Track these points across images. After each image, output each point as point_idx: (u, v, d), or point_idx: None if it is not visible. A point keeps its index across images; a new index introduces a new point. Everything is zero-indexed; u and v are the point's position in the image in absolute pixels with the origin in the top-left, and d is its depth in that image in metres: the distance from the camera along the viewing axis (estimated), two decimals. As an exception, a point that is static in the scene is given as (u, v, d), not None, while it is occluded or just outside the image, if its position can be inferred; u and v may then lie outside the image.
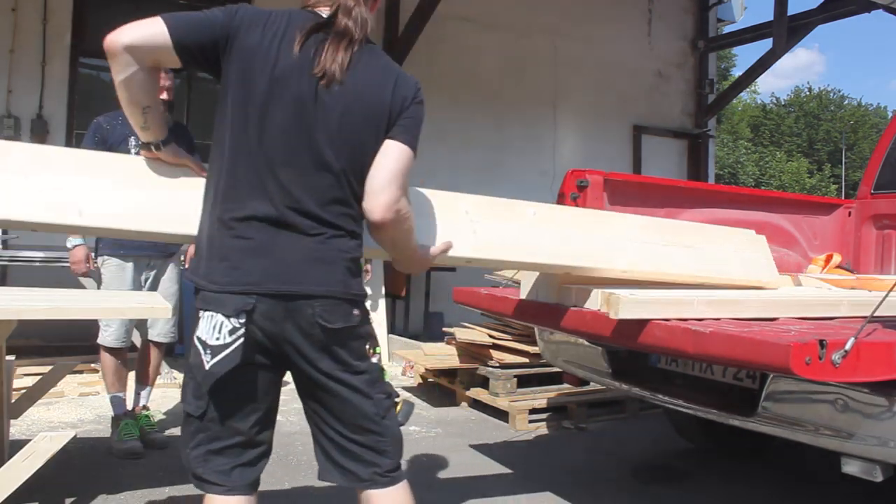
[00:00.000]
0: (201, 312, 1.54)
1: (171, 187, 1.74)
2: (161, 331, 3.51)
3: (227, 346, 1.50)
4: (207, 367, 1.51)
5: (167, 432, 3.60)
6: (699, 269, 2.39)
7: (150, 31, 1.51)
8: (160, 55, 1.52)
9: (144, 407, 3.57)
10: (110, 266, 3.39)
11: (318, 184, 1.55)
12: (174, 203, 1.72)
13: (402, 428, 1.75)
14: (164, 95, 3.37)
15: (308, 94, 1.55)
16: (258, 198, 1.53)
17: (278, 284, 1.52)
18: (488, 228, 2.02)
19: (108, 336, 3.37)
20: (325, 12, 1.62)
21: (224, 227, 1.54)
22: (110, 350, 3.39)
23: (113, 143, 3.38)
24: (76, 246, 3.40)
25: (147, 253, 3.43)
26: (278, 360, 1.59)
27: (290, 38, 1.55)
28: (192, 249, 3.48)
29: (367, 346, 1.66)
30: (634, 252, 2.26)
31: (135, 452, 3.24)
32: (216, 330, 1.51)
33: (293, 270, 1.53)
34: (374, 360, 1.67)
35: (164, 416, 3.92)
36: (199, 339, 1.53)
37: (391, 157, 1.61)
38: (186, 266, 3.62)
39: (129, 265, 3.40)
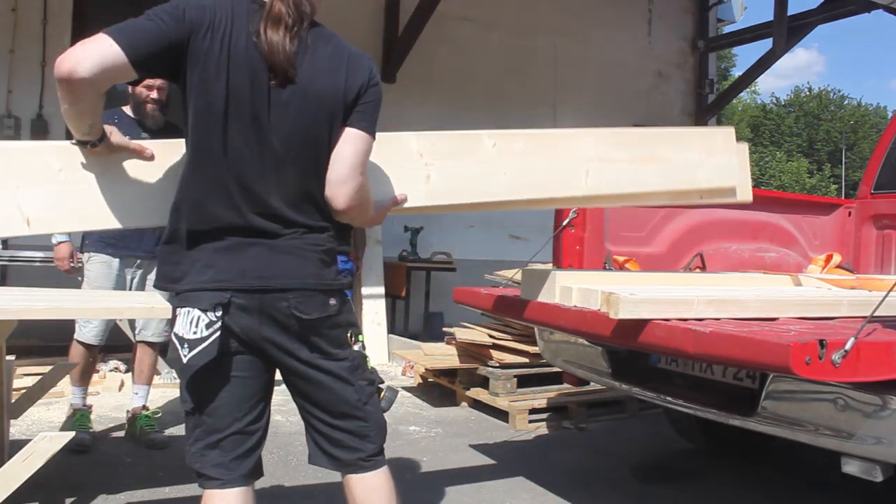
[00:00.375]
0: (177, 310, 1.58)
1: (115, 179, 1.71)
2: (155, 330, 3.51)
3: (204, 339, 1.53)
4: (185, 360, 1.54)
5: (167, 432, 3.60)
6: (665, 183, 2.31)
7: (106, 55, 1.43)
8: (118, 76, 1.48)
9: (144, 407, 3.57)
10: (96, 263, 3.36)
11: (283, 187, 1.57)
12: (120, 196, 1.71)
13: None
14: (155, 94, 3.35)
15: (262, 98, 1.54)
16: (226, 207, 1.55)
17: (251, 280, 1.55)
18: (443, 170, 1.97)
19: (88, 332, 3.36)
20: None
21: (195, 236, 1.57)
22: (86, 345, 3.38)
23: None
24: (60, 242, 3.39)
25: (135, 253, 3.41)
26: (258, 354, 1.61)
27: (236, 37, 1.52)
28: None
29: (349, 334, 1.68)
30: (596, 174, 2.18)
31: (82, 444, 3.23)
32: (193, 324, 1.54)
33: (265, 266, 1.56)
34: (357, 347, 1.69)
35: (162, 416, 3.91)
36: (175, 335, 1.57)
37: (351, 145, 1.62)
38: None
39: (116, 262, 3.38)
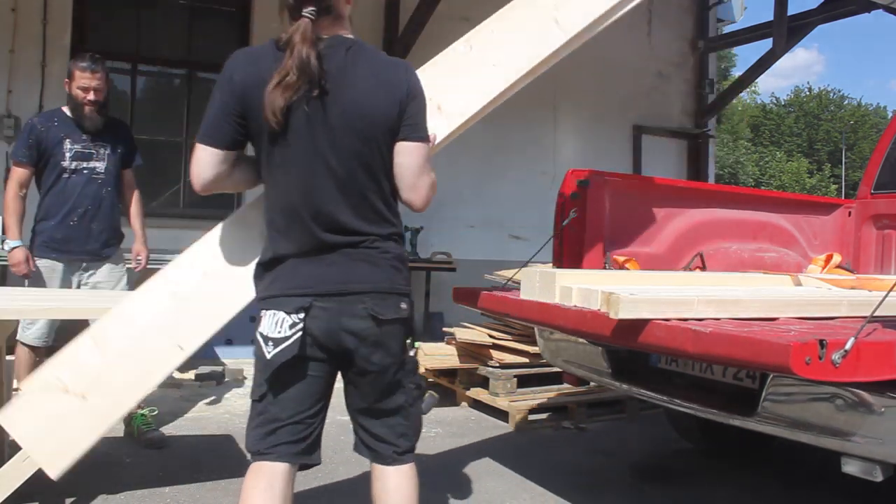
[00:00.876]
0: (263, 312, 1.75)
1: (223, 265, 2.00)
2: None
3: (287, 338, 1.69)
4: (269, 356, 1.71)
5: (164, 430, 3.59)
6: None
7: (207, 159, 1.75)
8: (225, 163, 1.77)
9: (139, 406, 3.54)
10: (41, 267, 3.34)
11: (349, 204, 1.72)
12: (242, 271, 1.95)
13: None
14: (92, 96, 3.33)
15: (315, 129, 1.68)
16: (302, 232, 1.72)
17: (330, 286, 1.71)
18: (447, 94, 2.12)
19: (30, 334, 3.32)
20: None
21: (280, 259, 1.76)
22: (32, 348, 3.34)
23: (48, 145, 3.33)
24: (14, 248, 3.33)
25: (80, 256, 3.39)
26: (333, 354, 1.75)
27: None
28: (136, 248, 3.59)
29: (409, 340, 1.84)
30: (564, 18, 2.36)
31: None
32: (278, 325, 1.71)
33: (342, 273, 1.72)
34: (412, 353, 1.85)
35: (159, 414, 3.91)
36: (261, 333, 1.74)
37: (409, 156, 1.77)
38: (132, 265, 3.62)
39: (60, 266, 3.36)
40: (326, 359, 1.75)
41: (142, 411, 3.52)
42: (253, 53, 1.75)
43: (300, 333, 1.69)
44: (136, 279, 4.49)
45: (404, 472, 1.87)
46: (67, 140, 3.35)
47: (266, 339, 1.72)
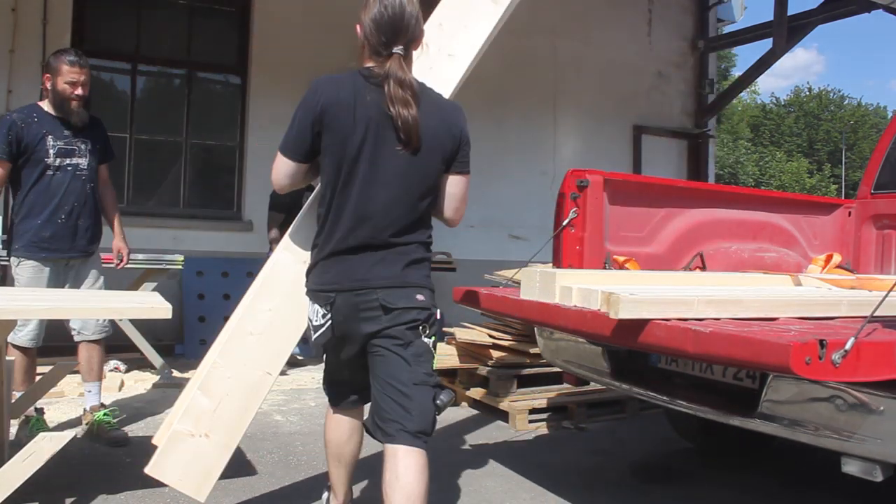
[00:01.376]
0: (309, 302, 2.14)
1: (287, 294, 2.35)
2: (94, 329, 3.46)
3: (322, 325, 2.09)
4: (313, 339, 2.14)
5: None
6: None
7: (287, 169, 2.10)
8: (301, 174, 2.12)
9: (101, 405, 3.52)
10: (27, 268, 3.31)
11: (393, 220, 2.01)
12: (299, 296, 2.22)
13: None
14: (80, 91, 3.29)
15: (384, 153, 1.98)
16: (349, 236, 2.01)
17: (351, 282, 2.02)
18: (434, 80, 2.34)
19: (22, 336, 3.31)
20: (377, 70, 2.01)
21: (325, 256, 2.06)
22: (22, 349, 3.33)
23: (29, 141, 3.27)
24: None
25: (67, 255, 3.37)
26: (353, 338, 2.07)
27: (360, 106, 1.97)
28: (116, 245, 3.71)
29: (423, 328, 2.03)
30: None
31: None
32: (316, 314, 2.10)
33: (362, 271, 2.01)
34: (426, 340, 2.05)
35: (118, 412, 3.91)
36: (309, 319, 2.16)
37: (461, 187, 2.15)
38: (112, 263, 3.64)
39: (48, 269, 3.33)
40: (350, 341, 2.09)
41: (103, 411, 3.48)
42: (336, 80, 2.02)
43: (330, 322, 2.06)
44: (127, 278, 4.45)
45: (415, 458, 1.97)
46: (49, 136, 3.30)
47: (311, 325, 2.13)
